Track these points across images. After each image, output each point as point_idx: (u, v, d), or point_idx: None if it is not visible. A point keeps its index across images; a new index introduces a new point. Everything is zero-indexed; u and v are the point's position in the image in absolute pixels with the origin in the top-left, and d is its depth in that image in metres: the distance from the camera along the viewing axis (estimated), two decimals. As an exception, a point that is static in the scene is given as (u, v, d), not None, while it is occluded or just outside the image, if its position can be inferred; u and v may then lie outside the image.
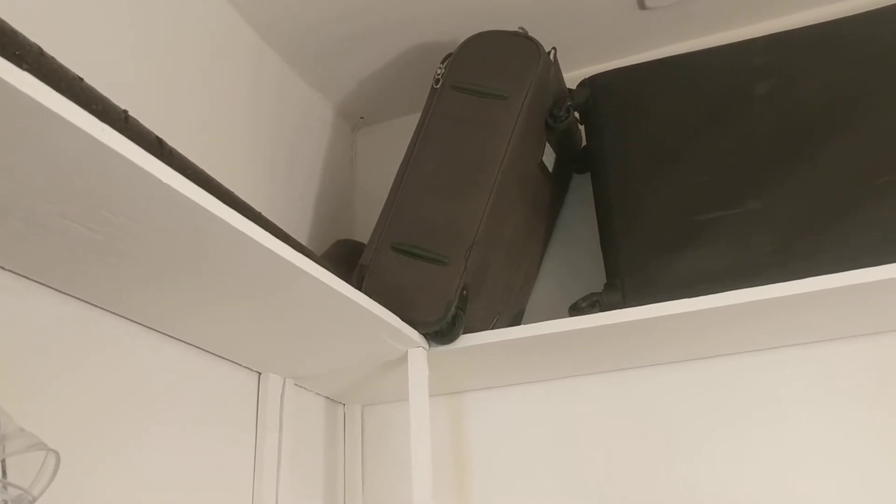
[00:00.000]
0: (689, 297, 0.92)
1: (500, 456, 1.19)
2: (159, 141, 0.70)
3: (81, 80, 0.62)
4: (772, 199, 0.97)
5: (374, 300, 0.91)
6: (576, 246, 1.27)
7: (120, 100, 0.67)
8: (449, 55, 1.14)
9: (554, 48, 1.14)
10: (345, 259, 1.21)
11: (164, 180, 0.58)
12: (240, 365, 1.04)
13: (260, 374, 1.07)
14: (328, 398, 1.24)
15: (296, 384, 1.13)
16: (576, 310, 1.00)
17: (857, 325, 1.02)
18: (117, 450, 0.82)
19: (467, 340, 1.02)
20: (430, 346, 1.03)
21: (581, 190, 1.30)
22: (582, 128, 1.23)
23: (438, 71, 1.12)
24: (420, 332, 1.00)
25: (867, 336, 1.06)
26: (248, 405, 1.05)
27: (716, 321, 0.96)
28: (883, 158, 0.95)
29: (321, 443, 1.21)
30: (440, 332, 1.00)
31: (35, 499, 0.50)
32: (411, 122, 1.14)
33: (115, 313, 0.84)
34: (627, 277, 1.01)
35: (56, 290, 0.77)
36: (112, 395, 0.82)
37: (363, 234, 1.41)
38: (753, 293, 0.90)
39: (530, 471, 1.17)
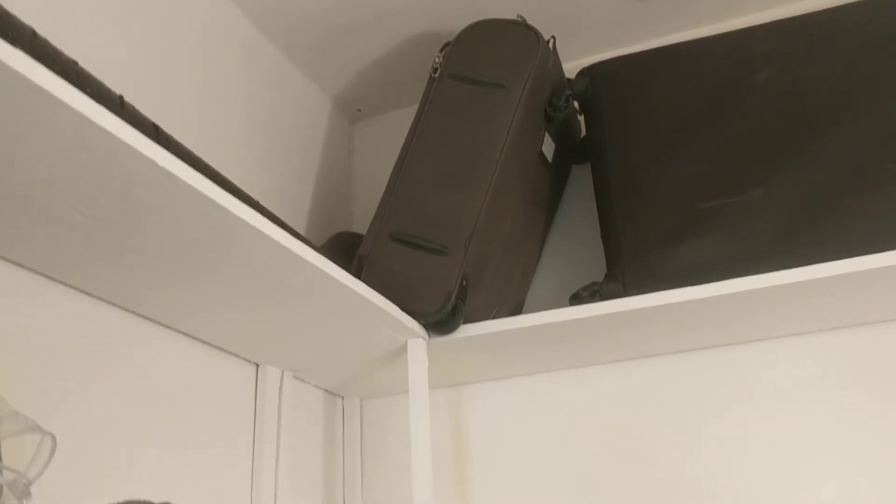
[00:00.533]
0: (691, 285, 0.92)
1: (501, 448, 1.18)
2: (156, 127, 0.69)
3: (76, 63, 0.62)
4: (774, 187, 0.96)
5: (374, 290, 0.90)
6: (575, 238, 1.26)
7: (114, 89, 0.66)
8: (447, 44, 1.13)
9: (553, 37, 1.13)
10: (344, 252, 1.20)
11: (161, 164, 0.57)
12: (238, 356, 1.03)
13: (258, 365, 1.06)
14: (327, 391, 1.23)
15: (294, 376, 1.12)
16: (576, 299, 0.99)
17: (862, 313, 1.01)
18: (113, 440, 0.81)
19: (467, 331, 1.01)
20: (429, 336, 1.02)
21: (580, 182, 1.29)
22: (581, 118, 1.22)
23: (436, 60, 1.11)
24: (420, 323, 0.99)
25: (871, 325, 1.05)
26: (247, 397, 1.04)
27: (718, 309, 0.95)
28: (886, 145, 0.94)
29: (320, 435, 1.20)
30: (440, 322, 0.99)
31: (31, 482, 0.49)
32: (409, 114, 1.13)
33: (109, 302, 0.83)
34: (628, 267, 1.00)
35: (49, 277, 0.76)
36: (107, 384, 0.81)
37: (361, 227, 1.40)
38: (756, 281, 0.89)
39: (531, 462, 1.16)
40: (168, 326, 0.91)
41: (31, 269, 0.75)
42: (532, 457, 1.16)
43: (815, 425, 1.04)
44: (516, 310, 1.18)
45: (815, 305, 0.97)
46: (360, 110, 1.50)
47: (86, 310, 0.80)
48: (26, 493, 0.49)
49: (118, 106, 0.64)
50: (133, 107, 0.67)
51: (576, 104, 1.18)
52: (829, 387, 1.05)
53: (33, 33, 0.58)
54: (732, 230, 0.96)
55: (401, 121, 1.47)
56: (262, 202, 1.17)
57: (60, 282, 0.77)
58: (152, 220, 0.66)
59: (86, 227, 0.66)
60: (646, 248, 1.00)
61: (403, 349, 1.03)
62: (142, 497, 0.78)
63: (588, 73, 1.14)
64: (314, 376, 1.15)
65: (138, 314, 0.87)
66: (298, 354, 1.03)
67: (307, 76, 1.39)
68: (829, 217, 0.93)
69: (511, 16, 1.13)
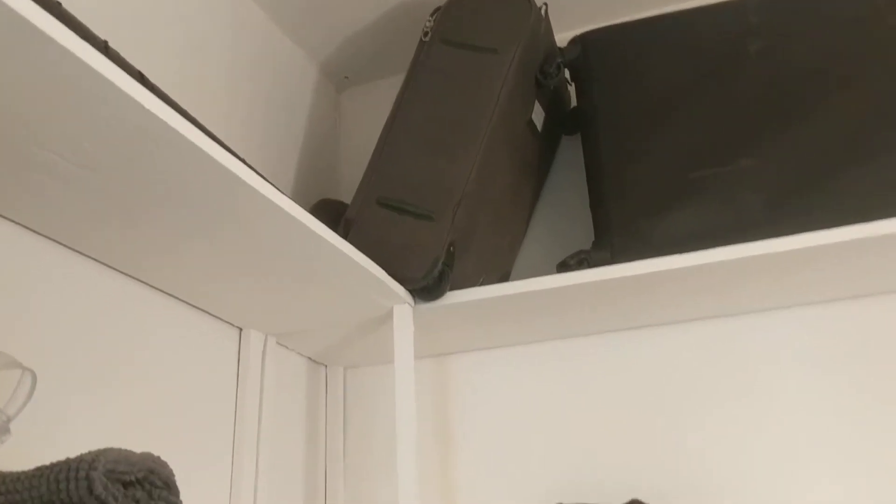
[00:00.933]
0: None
1: (486, 419, 1.18)
2: (140, 75, 0.68)
3: (59, 4, 0.60)
4: (764, 158, 0.96)
5: (360, 253, 0.89)
6: (563, 211, 1.26)
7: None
8: (438, 9, 1.12)
9: (545, 3, 1.12)
10: (327, 219, 1.19)
11: (147, 106, 0.56)
12: (221, 319, 1.01)
13: (241, 329, 1.05)
14: (310, 359, 1.22)
15: (278, 343, 1.11)
16: (564, 267, 0.99)
17: (849, 286, 1.01)
18: (93, 395, 0.79)
19: (454, 297, 1.00)
20: (415, 302, 1.01)
21: (569, 153, 1.28)
22: (572, 89, 1.21)
23: (427, 24, 1.10)
24: (406, 288, 0.98)
25: (860, 298, 1.05)
26: (229, 362, 1.03)
27: (707, 278, 0.95)
28: (876, 116, 0.94)
29: (303, 405, 1.19)
30: (426, 288, 0.98)
31: (10, 419, 0.48)
32: (398, 82, 1.11)
33: (89, 257, 0.81)
34: (617, 236, 1.00)
35: (28, 228, 0.74)
36: (85, 339, 0.80)
37: (348, 196, 1.39)
38: (745, 249, 0.89)
39: (516, 434, 1.16)
40: (150, 285, 0.89)
41: (11, 220, 0.73)
42: (517, 428, 1.16)
43: (804, 399, 1.04)
44: (503, 280, 1.17)
45: (803, 276, 0.96)
46: (347, 78, 1.48)
47: (65, 263, 0.78)
48: (5, 430, 0.48)
49: (102, 51, 0.63)
50: (118, 53, 0.65)
51: (567, 73, 1.17)
52: (819, 359, 1.05)
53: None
54: (722, 200, 0.96)
55: (389, 89, 1.45)
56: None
57: (37, 232, 0.75)
58: (135, 168, 0.65)
59: (66, 170, 0.65)
60: (635, 217, 0.99)
61: (389, 315, 1.02)
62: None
63: (580, 41, 1.13)
64: (298, 343, 1.14)
65: (119, 271, 0.85)
66: (282, 318, 1.02)
67: (294, 41, 1.36)
68: (818, 187, 0.93)
69: (503, -19, 1.11)
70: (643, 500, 0.93)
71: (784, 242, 0.88)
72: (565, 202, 1.26)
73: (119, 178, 0.66)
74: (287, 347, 1.15)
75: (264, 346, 1.07)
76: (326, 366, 1.27)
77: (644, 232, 0.98)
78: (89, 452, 0.49)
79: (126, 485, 0.52)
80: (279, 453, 1.10)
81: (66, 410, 0.76)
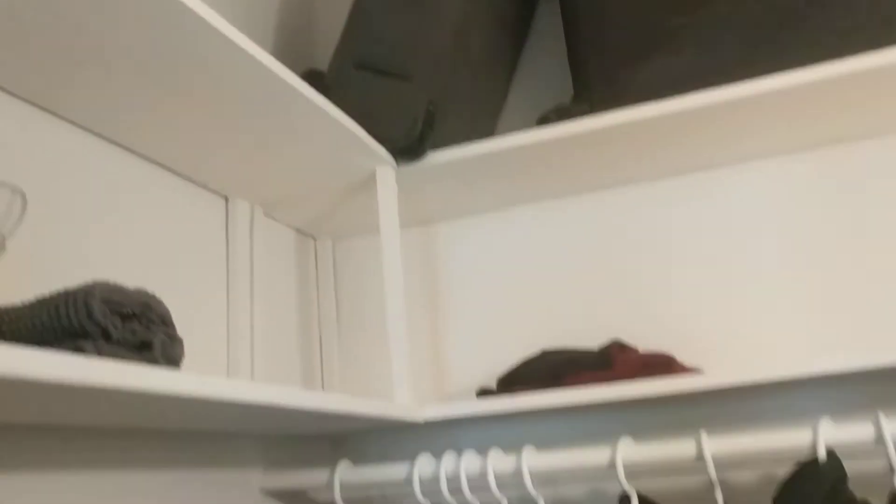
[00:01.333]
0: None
1: (473, 281, 1.21)
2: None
3: None
4: (739, 2, 0.95)
5: (340, 114, 0.89)
6: (543, 76, 1.25)
7: None
8: None
9: None
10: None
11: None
12: (206, 189, 1.02)
13: (227, 199, 1.06)
14: (298, 231, 1.24)
15: (265, 214, 1.12)
16: (544, 120, 0.99)
17: (827, 129, 1.01)
18: (81, 256, 0.81)
19: (436, 157, 1.01)
20: (398, 164, 1.02)
21: (545, 21, 1.27)
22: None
23: None
24: (387, 149, 0.99)
25: (832, 145, 1.06)
26: (218, 233, 1.04)
27: (686, 125, 0.95)
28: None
29: (294, 275, 1.21)
30: (407, 147, 0.99)
31: (5, 237, 0.50)
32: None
33: (71, 121, 0.81)
34: (596, 88, 1.00)
35: (9, 92, 0.74)
36: (65, 200, 0.81)
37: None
38: (721, 93, 0.90)
39: (503, 293, 1.18)
40: (135, 152, 0.89)
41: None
42: (503, 287, 1.19)
43: (780, 245, 1.07)
44: (485, 143, 1.18)
45: (780, 119, 0.97)
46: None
47: (41, 123, 0.79)
48: (2, 247, 0.49)
49: None
50: None
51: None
52: (793, 207, 1.07)
53: None
54: (698, 46, 0.96)
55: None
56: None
57: (19, 97, 0.75)
58: (106, 19, 0.64)
59: (37, 23, 0.64)
60: (613, 68, 0.99)
61: (372, 179, 1.03)
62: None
63: None
64: (284, 213, 1.15)
65: (103, 136, 0.85)
66: (267, 184, 1.02)
67: None
68: (792, 29, 0.93)
69: None
70: (623, 340, 0.97)
71: (759, 84, 0.88)
72: (545, 68, 1.25)
73: (91, 30, 0.65)
74: (274, 219, 1.16)
75: (251, 216, 1.08)
76: (315, 238, 1.29)
77: (622, 82, 0.98)
78: (85, 282, 0.51)
79: (123, 318, 0.54)
80: (272, 320, 1.13)
81: (53, 267, 0.77)
